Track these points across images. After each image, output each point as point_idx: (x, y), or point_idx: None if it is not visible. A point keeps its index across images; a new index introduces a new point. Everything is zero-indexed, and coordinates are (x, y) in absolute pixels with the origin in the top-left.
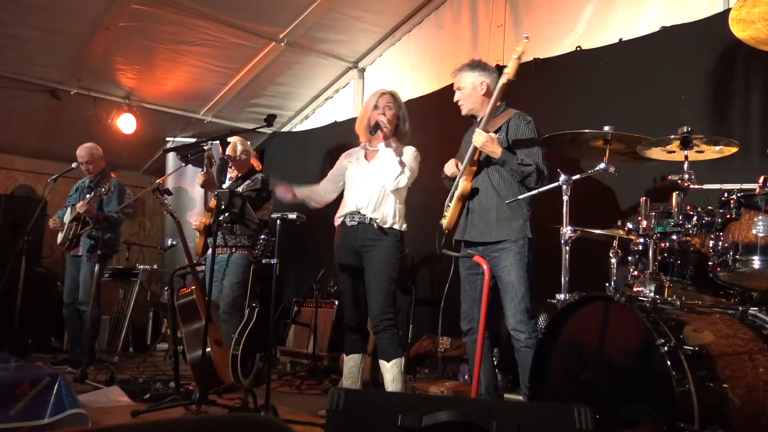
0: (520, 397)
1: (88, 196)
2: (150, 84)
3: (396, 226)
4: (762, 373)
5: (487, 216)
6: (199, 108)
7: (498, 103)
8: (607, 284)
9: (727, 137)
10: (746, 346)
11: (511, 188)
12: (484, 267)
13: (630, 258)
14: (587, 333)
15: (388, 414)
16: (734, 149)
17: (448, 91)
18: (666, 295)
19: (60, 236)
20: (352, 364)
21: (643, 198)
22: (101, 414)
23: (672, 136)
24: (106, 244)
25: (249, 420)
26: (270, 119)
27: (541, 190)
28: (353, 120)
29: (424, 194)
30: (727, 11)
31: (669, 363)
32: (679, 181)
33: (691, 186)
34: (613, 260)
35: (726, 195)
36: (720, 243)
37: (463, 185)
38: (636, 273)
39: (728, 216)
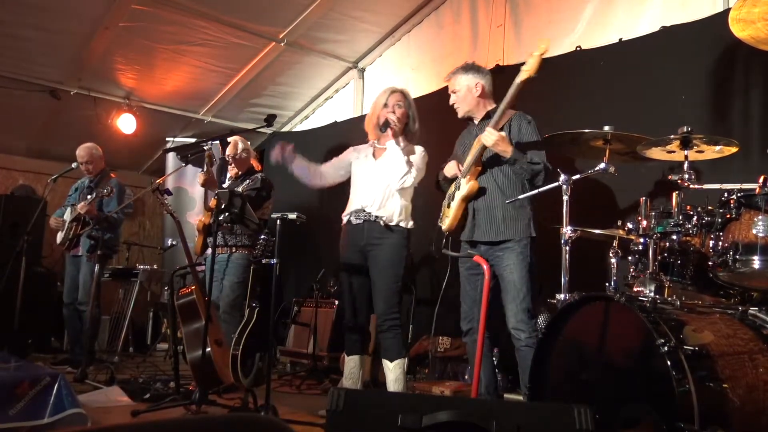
0: (521, 397)
1: (89, 196)
2: (150, 84)
3: (402, 224)
4: (762, 373)
5: (493, 215)
6: (199, 108)
7: (510, 100)
8: (607, 284)
9: (727, 137)
10: (746, 346)
11: (515, 188)
12: (484, 267)
13: (630, 258)
14: (587, 333)
15: (388, 414)
16: (734, 149)
17: (448, 91)
18: (666, 295)
19: (60, 236)
20: (352, 364)
21: (643, 198)
22: (101, 414)
23: (672, 136)
24: (106, 244)
25: (249, 420)
26: (270, 119)
27: (541, 190)
28: (353, 120)
29: (424, 194)
30: (727, 11)
31: (669, 363)
32: (679, 181)
33: (691, 186)
34: (613, 260)
35: (726, 195)
36: (720, 243)
37: (470, 185)
38: (636, 273)
39: (728, 216)
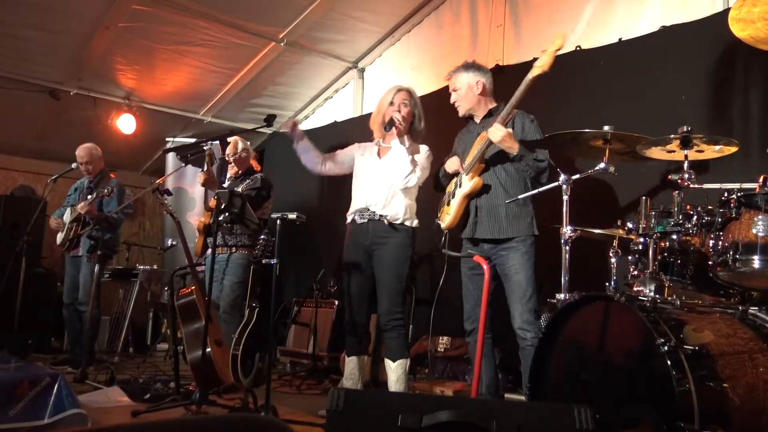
0: (522, 397)
1: (89, 196)
2: (150, 84)
3: (407, 223)
4: (762, 373)
5: (496, 213)
6: (199, 108)
7: (520, 97)
8: (607, 284)
9: (727, 137)
10: (746, 346)
11: (517, 186)
12: (484, 267)
13: (630, 258)
14: (587, 333)
15: (388, 414)
16: (734, 149)
17: (448, 91)
18: (666, 295)
19: (60, 237)
20: (353, 365)
21: (643, 198)
22: (101, 414)
23: (672, 136)
24: (106, 245)
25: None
26: (270, 119)
27: (541, 189)
28: (353, 120)
29: (424, 193)
30: (726, 11)
31: (669, 363)
32: (679, 181)
33: (691, 186)
34: (613, 260)
35: (726, 195)
36: (720, 242)
37: (474, 182)
38: (636, 272)
39: (728, 215)
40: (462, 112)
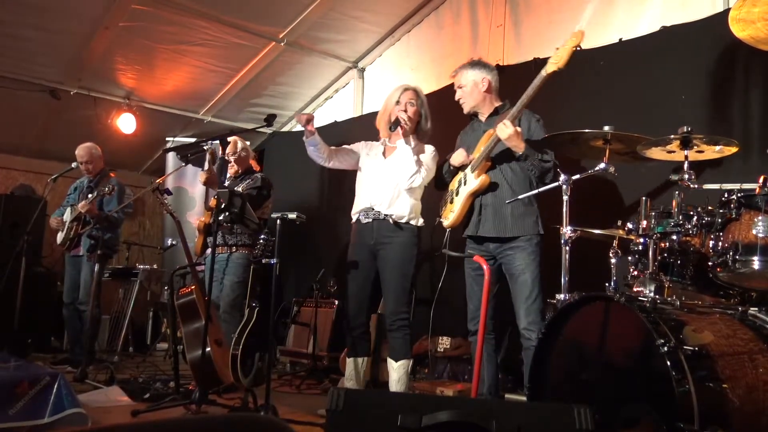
0: (523, 398)
1: (90, 195)
2: (150, 84)
3: (413, 222)
4: (762, 373)
5: (502, 211)
6: (199, 108)
7: (533, 94)
8: (607, 284)
9: (727, 137)
10: (746, 346)
11: (523, 184)
12: (484, 267)
13: (630, 258)
14: (587, 333)
15: (388, 414)
16: (734, 149)
17: (448, 91)
18: (666, 295)
19: (60, 236)
20: (354, 366)
21: (643, 198)
22: (101, 414)
23: (672, 136)
24: (106, 244)
25: (249, 420)
26: (270, 119)
27: (541, 189)
28: (353, 120)
29: (425, 192)
30: (726, 11)
31: (669, 363)
32: (679, 181)
33: (691, 186)
34: (613, 260)
35: (726, 195)
36: (720, 243)
37: (480, 180)
38: (636, 273)
39: (728, 216)
40: (467, 109)
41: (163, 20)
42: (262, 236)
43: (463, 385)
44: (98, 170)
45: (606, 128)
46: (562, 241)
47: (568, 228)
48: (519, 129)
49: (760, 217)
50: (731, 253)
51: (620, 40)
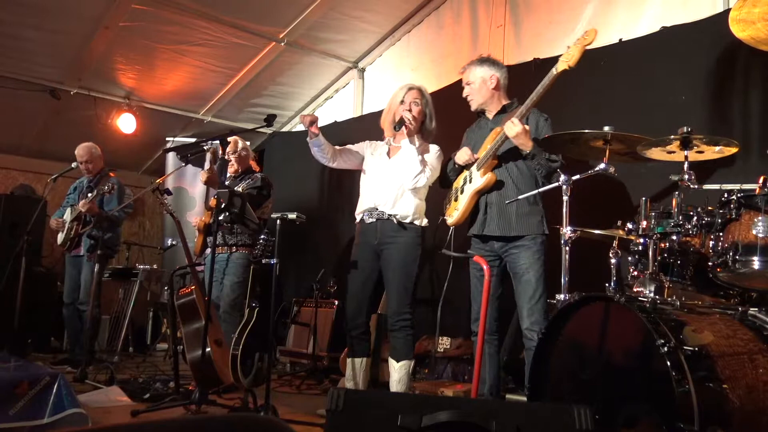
0: (523, 398)
1: (90, 195)
2: (150, 84)
3: (417, 222)
4: (762, 374)
5: (507, 210)
6: (199, 108)
7: (542, 92)
8: (607, 284)
9: (727, 137)
10: (746, 347)
11: (529, 183)
12: (484, 267)
13: (630, 258)
14: (587, 333)
15: (388, 414)
16: (734, 149)
17: (448, 91)
18: (666, 296)
19: (60, 237)
20: (354, 366)
21: (643, 198)
22: (101, 414)
23: (672, 136)
24: (106, 244)
25: (249, 420)
26: (270, 119)
27: (541, 189)
28: (353, 120)
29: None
30: (727, 11)
31: (669, 363)
32: (680, 182)
33: (691, 186)
34: (613, 260)
35: (726, 195)
36: (720, 243)
37: (486, 178)
38: (636, 273)
39: (728, 216)
40: (474, 106)
41: (163, 20)
42: (262, 236)
43: (463, 386)
44: (98, 170)
45: (606, 128)
46: (562, 242)
47: (568, 228)
48: (527, 127)
49: (760, 218)
50: (731, 254)
51: (620, 40)
